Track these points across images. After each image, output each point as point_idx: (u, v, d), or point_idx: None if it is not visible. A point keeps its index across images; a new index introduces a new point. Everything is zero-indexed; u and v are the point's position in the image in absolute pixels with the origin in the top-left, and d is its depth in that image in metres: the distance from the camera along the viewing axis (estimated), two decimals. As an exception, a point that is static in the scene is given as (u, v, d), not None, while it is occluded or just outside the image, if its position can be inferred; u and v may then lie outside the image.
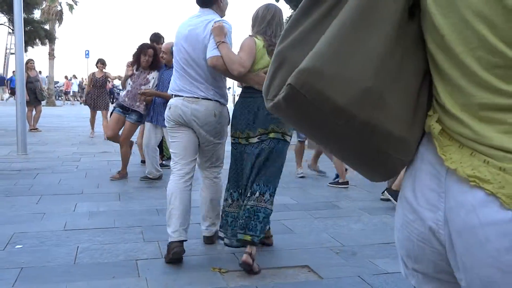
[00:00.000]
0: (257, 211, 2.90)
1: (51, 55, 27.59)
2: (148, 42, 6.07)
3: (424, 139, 0.91)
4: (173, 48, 3.32)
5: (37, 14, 23.50)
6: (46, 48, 25.89)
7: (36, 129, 11.33)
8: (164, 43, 5.69)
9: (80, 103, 29.46)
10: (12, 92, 17.42)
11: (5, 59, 33.83)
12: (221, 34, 2.96)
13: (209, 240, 3.40)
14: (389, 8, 0.84)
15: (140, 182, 5.68)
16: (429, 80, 0.90)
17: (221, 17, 3.26)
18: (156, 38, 6.26)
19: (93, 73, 9.89)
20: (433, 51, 0.85)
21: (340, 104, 0.82)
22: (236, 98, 3.29)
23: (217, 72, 3.08)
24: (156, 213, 4.27)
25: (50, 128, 12.31)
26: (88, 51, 31.90)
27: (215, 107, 3.14)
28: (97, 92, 9.76)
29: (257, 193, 2.92)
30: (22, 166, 6.60)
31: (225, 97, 3.26)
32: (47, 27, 24.15)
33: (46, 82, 22.59)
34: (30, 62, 11.10)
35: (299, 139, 6.24)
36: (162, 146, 6.55)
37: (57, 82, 31.00)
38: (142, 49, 5.50)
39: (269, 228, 3.39)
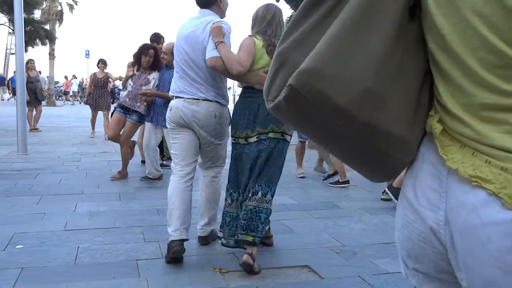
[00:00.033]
0: (259, 212, 2.90)
1: (52, 55, 27.62)
2: (148, 42, 6.07)
3: (425, 139, 0.91)
4: (174, 50, 3.32)
5: (37, 14, 23.53)
6: (47, 48, 25.93)
7: (37, 129, 11.34)
8: (165, 44, 5.69)
9: (80, 103, 29.49)
10: (14, 92, 17.43)
11: (5, 59, 33.85)
12: (219, 34, 2.97)
13: (204, 241, 3.39)
14: (390, 8, 0.84)
15: (141, 182, 5.68)
16: (430, 80, 0.90)
17: (221, 18, 3.26)
18: (156, 38, 6.26)
19: (95, 73, 9.84)
20: (434, 51, 0.85)
21: (340, 104, 0.82)
22: (236, 98, 3.29)
23: (217, 73, 3.08)
24: (156, 213, 4.27)
25: (50, 128, 12.32)
26: (88, 51, 31.97)
27: (215, 108, 3.14)
28: (98, 92, 9.72)
29: (259, 194, 2.92)
30: (22, 166, 6.60)
31: (225, 98, 3.26)
32: (47, 27, 24.16)
33: (46, 82, 22.60)
34: (30, 62, 11.10)
35: (300, 140, 6.24)
36: (162, 146, 6.56)
37: (57, 82, 31.04)
38: (143, 49, 5.51)
39: (269, 228, 3.39)
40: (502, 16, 0.73)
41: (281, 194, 4.75)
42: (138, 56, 5.55)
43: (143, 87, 5.45)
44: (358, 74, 0.82)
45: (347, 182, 5.63)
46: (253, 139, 2.98)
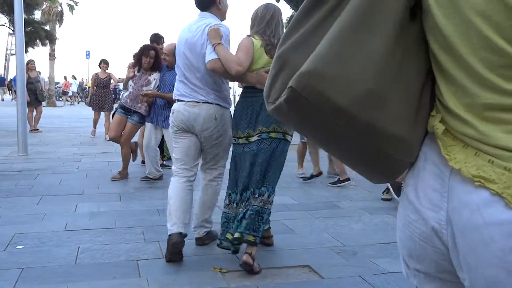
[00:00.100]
0: (262, 213, 2.91)
1: (52, 56, 27.61)
2: (148, 42, 6.07)
3: (427, 139, 0.91)
4: (175, 54, 3.36)
5: (37, 14, 23.53)
6: (47, 48, 25.93)
7: (37, 129, 11.33)
8: (166, 45, 5.69)
9: (78, 103, 29.45)
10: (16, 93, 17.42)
11: (5, 60, 33.86)
12: (216, 36, 2.99)
13: (199, 242, 3.39)
14: (390, 8, 0.84)
15: (141, 183, 5.68)
16: (431, 80, 0.90)
17: (222, 20, 3.27)
18: (156, 38, 6.26)
19: (96, 74, 9.76)
20: (436, 51, 0.85)
21: (341, 105, 0.82)
22: (237, 99, 3.29)
23: (217, 75, 3.10)
24: (157, 213, 4.27)
25: (50, 128, 12.32)
26: (88, 51, 32.02)
27: (216, 110, 3.16)
28: (102, 93, 9.66)
29: (266, 195, 2.93)
30: (23, 167, 6.60)
31: (226, 100, 3.27)
32: (47, 27, 24.16)
33: (46, 82, 22.60)
34: (30, 63, 11.10)
35: (302, 140, 6.24)
36: (162, 147, 6.56)
37: (57, 83, 31.02)
38: (144, 50, 5.51)
39: (270, 228, 3.39)
40: (504, 15, 0.73)
41: (282, 194, 4.75)
42: (138, 57, 5.55)
43: (144, 88, 5.45)
44: (358, 75, 0.82)
45: (348, 179, 5.64)
46: (254, 138, 2.98)
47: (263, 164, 2.94)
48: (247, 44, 2.99)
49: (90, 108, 10.18)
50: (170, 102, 5.22)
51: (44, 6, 26.37)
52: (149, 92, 5.35)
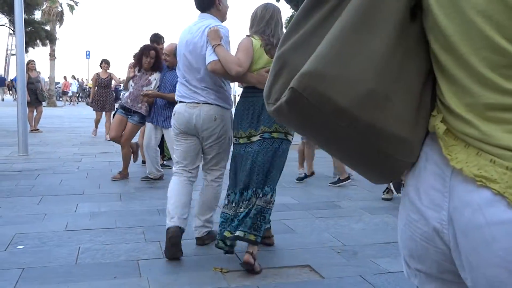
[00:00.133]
0: (264, 212, 2.92)
1: (52, 56, 27.62)
2: (149, 42, 6.07)
3: (427, 139, 0.91)
4: (176, 55, 3.39)
5: (37, 15, 23.55)
6: (47, 49, 25.94)
7: (37, 129, 11.34)
8: (166, 45, 5.69)
9: (77, 103, 29.41)
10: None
11: (6, 60, 33.88)
12: (216, 38, 3.01)
13: (200, 241, 3.39)
14: (391, 8, 0.83)
15: (141, 183, 5.68)
16: (432, 80, 0.90)
17: (222, 21, 3.28)
18: (156, 38, 6.26)
19: (97, 74, 9.72)
20: (436, 51, 0.85)
21: (342, 105, 0.82)
22: (237, 98, 3.30)
23: (218, 76, 3.12)
24: (157, 213, 4.27)
25: (51, 128, 12.33)
26: (89, 51, 32.03)
27: (215, 111, 3.17)
28: (103, 93, 9.63)
29: (269, 196, 2.94)
30: (23, 167, 6.61)
31: (227, 101, 3.28)
32: (47, 28, 24.18)
33: (46, 82, 22.59)
34: (31, 63, 11.10)
35: (303, 140, 6.24)
36: (162, 147, 6.56)
37: (58, 83, 31.03)
38: (144, 50, 5.51)
39: (270, 227, 3.39)
40: (504, 15, 0.73)
41: (282, 194, 4.75)
42: (139, 57, 5.55)
43: (145, 88, 5.45)
44: (359, 75, 0.82)
45: (348, 178, 5.64)
46: (257, 138, 2.99)
47: (265, 164, 2.94)
48: (247, 45, 2.99)
49: (91, 108, 10.17)
50: (170, 102, 5.23)
51: (44, 6, 26.39)
52: (150, 92, 5.35)
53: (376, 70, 0.82)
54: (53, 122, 14.26)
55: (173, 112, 3.30)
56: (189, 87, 3.20)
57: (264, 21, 3.06)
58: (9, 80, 23.76)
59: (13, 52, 27.80)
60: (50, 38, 22.67)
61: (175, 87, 4.88)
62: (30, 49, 20.15)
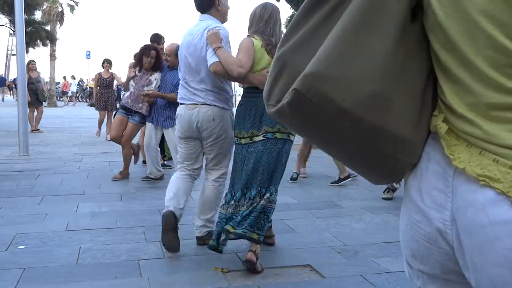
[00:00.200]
0: (268, 212, 2.94)
1: (52, 56, 27.62)
2: (149, 42, 6.07)
3: (429, 139, 0.90)
4: (178, 57, 3.44)
5: (38, 15, 23.58)
6: (47, 49, 25.96)
7: (38, 130, 11.34)
8: (167, 45, 5.69)
9: (74, 104, 29.36)
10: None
11: (6, 60, 33.89)
12: (216, 40, 3.03)
13: (200, 241, 3.40)
14: (393, 8, 0.83)
15: (142, 183, 5.68)
16: (433, 80, 0.89)
17: (222, 22, 3.30)
18: (157, 38, 6.26)
19: (99, 73, 9.68)
20: (437, 51, 0.84)
21: (345, 107, 0.81)
22: (237, 98, 3.31)
23: (219, 77, 3.16)
24: (158, 213, 4.27)
25: (51, 129, 12.33)
26: (89, 51, 32.02)
27: (213, 112, 3.21)
28: (105, 92, 9.60)
29: (272, 195, 2.96)
30: (24, 167, 6.61)
31: (227, 102, 3.30)
32: (48, 28, 24.21)
33: (45, 82, 22.59)
34: (31, 63, 11.10)
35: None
36: (163, 146, 6.56)
37: (58, 83, 31.03)
38: (144, 50, 5.51)
39: (271, 227, 3.39)
40: (507, 13, 0.72)
41: (283, 193, 4.75)
42: (139, 57, 5.55)
43: (145, 88, 5.46)
44: (363, 76, 0.81)
45: (348, 176, 5.64)
46: (259, 138, 2.99)
47: (270, 164, 2.95)
48: (248, 45, 2.99)
49: (93, 108, 10.13)
50: (170, 102, 5.24)
51: (44, 7, 26.41)
52: (150, 92, 5.36)
53: (379, 70, 0.82)
54: (54, 122, 14.27)
55: (176, 115, 3.39)
56: (189, 88, 3.26)
57: (263, 20, 3.06)
58: (10, 80, 23.74)
59: (14, 52, 27.80)
60: (50, 38, 22.70)
61: (176, 87, 4.90)
62: (30, 49, 20.18)
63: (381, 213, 4.41)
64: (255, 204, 2.91)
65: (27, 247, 3.33)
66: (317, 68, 0.82)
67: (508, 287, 0.76)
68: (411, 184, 0.93)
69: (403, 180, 0.98)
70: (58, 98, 29.73)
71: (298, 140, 5.70)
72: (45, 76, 25.18)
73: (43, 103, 11.67)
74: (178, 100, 3.38)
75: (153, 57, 5.49)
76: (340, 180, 5.68)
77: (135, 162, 6.21)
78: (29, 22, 17.97)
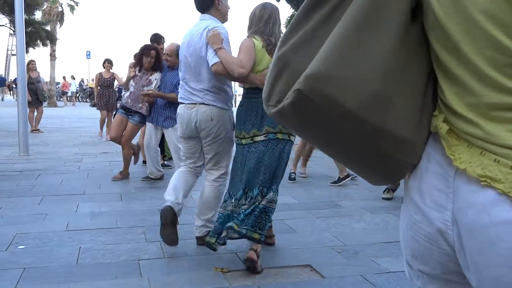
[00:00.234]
0: (269, 212, 2.95)
1: (52, 56, 27.61)
2: (149, 42, 6.07)
3: (429, 139, 0.90)
4: (179, 57, 3.46)
5: (38, 15, 23.56)
6: (47, 49, 25.94)
7: (38, 130, 11.34)
8: (167, 45, 5.69)
9: (73, 104, 29.35)
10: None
11: (6, 60, 33.89)
12: (217, 41, 3.05)
13: (200, 241, 3.40)
14: (394, 8, 0.83)
15: (142, 183, 5.68)
16: (433, 80, 0.89)
17: (223, 21, 3.30)
18: (157, 38, 6.26)
19: (100, 73, 9.64)
20: (437, 51, 0.84)
21: (349, 107, 0.81)
22: (237, 98, 3.32)
23: (220, 77, 3.18)
24: (158, 213, 4.25)
25: (51, 129, 12.33)
26: (89, 51, 32.01)
27: (211, 111, 3.22)
28: (106, 92, 9.57)
29: (273, 195, 2.97)
30: (24, 167, 6.61)
31: (226, 102, 3.30)
32: (48, 28, 24.19)
33: (45, 82, 22.60)
34: (31, 63, 11.09)
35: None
36: (163, 146, 6.56)
37: (58, 83, 31.03)
38: (145, 50, 5.51)
39: (271, 227, 3.39)
40: (508, 13, 0.72)
41: (283, 193, 4.74)
42: (139, 57, 5.55)
43: (145, 88, 5.46)
44: (366, 77, 0.81)
45: (348, 176, 5.64)
46: (261, 138, 2.99)
47: (272, 164, 2.96)
48: (249, 45, 2.99)
49: (95, 108, 10.10)
50: (170, 102, 5.24)
51: (44, 7, 26.39)
52: (150, 92, 5.36)
53: (381, 70, 0.82)
54: (54, 122, 14.27)
55: (177, 114, 3.43)
56: (188, 88, 3.29)
57: (263, 20, 3.06)
58: (10, 80, 23.73)
59: (14, 52, 27.81)
60: (50, 38, 22.69)
61: (176, 87, 4.91)
62: (30, 49, 20.17)
63: (381, 213, 4.41)
64: (257, 203, 2.92)
65: (27, 247, 3.33)
66: (320, 68, 0.81)
67: (510, 287, 0.76)
68: (411, 185, 0.93)
69: (403, 180, 0.98)
70: (58, 98, 29.72)
71: (296, 141, 5.69)
72: (45, 76, 25.21)
73: (43, 103, 11.66)
74: (178, 100, 3.40)
75: (153, 57, 5.49)
76: (340, 179, 5.68)
77: (135, 162, 6.21)
78: (29, 22, 17.96)
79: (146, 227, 3.85)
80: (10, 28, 21.57)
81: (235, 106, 3.18)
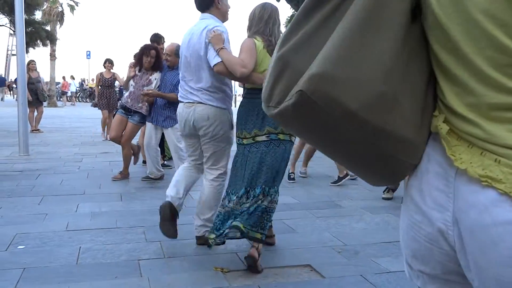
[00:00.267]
0: (270, 211, 2.96)
1: (52, 56, 27.60)
2: (149, 42, 6.07)
3: (430, 140, 0.90)
4: (180, 57, 3.48)
5: (38, 15, 23.56)
6: (47, 49, 25.93)
7: (38, 130, 11.34)
8: (167, 45, 5.69)
9: (73, 103, 29.33)
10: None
11: (6, 60, 33.90)
12: (219, 42, 3.06)
13: (200, 240, 3.40)
14: (396, 8, 0.82)
15: (142, 182, 5.68)
16: (433, 80, 0.89)
17: (223, 21, 3.31)
18: (157, 38, 6.26)
19: (101, 73, 9.61)
20: (437, 51, 0.84)
21: (352, 108, 0.80)
22: (237, 98, 3.32)
23: (221, 77, 3.19)
24: (158, 213, 4.26)
25: (51, 129, 12.33)
26: (89, 51, 31.98)
27: (208, 111, 3.23)
28: (107, 92, 9.55)
29: (276, 195, 2.99)
30: (24, 167, 6.61)
31: (225, 102, 3.31)
32: (48, 28, 24.18)
33: (45, 82, 22.58)
34: (31, 63, 11.09)
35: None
36: (163, 146, 6.56)
37: (58, 83, 31.03)
38: (145, 50, 5.51)
39: (271, 227, 3.39)
40: (508, 13, 0.72)
41: (283, 193, 4.73)
42: (139, 57, 5.55)
43: (145, 88, 5.46)
44: (369, 78, 0.81)
45: (347, 175, 5.64)
46: (262, 138, 3.00)
47: (274, 164, 2.97)
48: (250, 46, 3.00)
49: (96, 108, 10.08)
50: (170, 102, 5.24)
51: (44, 7, 26.39)
52: (150, 91, 5.36)
53: (386, 72, 0.81)
54: (54, 122, 14.27)
55: (177, 113, 3.46)
56: (187, 88, 3.31)
57: (263, 21, 3.06)
58: (10, 80, 23.73)
59: (14, 52, 27.82)
60: (50, 38, 22.69)
61: (175, 87, 4.92)
62: (30, 49, 20.16)
63: (381, 213, 4.41)
64: (259, 202, 2.93)
65: (27, 247, 3.33)
66: (323, 69, 0.80)
67: None
68: (411, 185, 0.93)
69: (403, 180, 0.98)
70: (58, 98, 29.71)
71: (296, 141, 5.68)
72: (45, 76, 25.19)
73: (43, 103, 11.66)
74: (179, 99, 3.43)
75: (153, 56, 5.49)
76: (339, 179, 5.68)
77: (135, 162, 6.21)
78: (29, 22, 17.97)
79: (146, 227, 3.85)
80: (10, 28, 21.57)
81: (235, 106, 3.17)
